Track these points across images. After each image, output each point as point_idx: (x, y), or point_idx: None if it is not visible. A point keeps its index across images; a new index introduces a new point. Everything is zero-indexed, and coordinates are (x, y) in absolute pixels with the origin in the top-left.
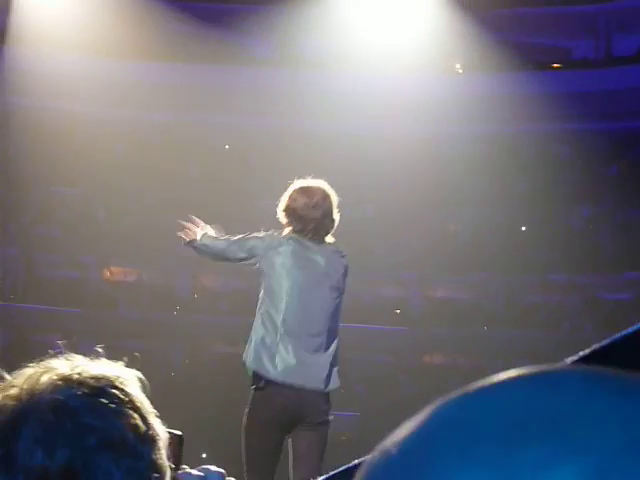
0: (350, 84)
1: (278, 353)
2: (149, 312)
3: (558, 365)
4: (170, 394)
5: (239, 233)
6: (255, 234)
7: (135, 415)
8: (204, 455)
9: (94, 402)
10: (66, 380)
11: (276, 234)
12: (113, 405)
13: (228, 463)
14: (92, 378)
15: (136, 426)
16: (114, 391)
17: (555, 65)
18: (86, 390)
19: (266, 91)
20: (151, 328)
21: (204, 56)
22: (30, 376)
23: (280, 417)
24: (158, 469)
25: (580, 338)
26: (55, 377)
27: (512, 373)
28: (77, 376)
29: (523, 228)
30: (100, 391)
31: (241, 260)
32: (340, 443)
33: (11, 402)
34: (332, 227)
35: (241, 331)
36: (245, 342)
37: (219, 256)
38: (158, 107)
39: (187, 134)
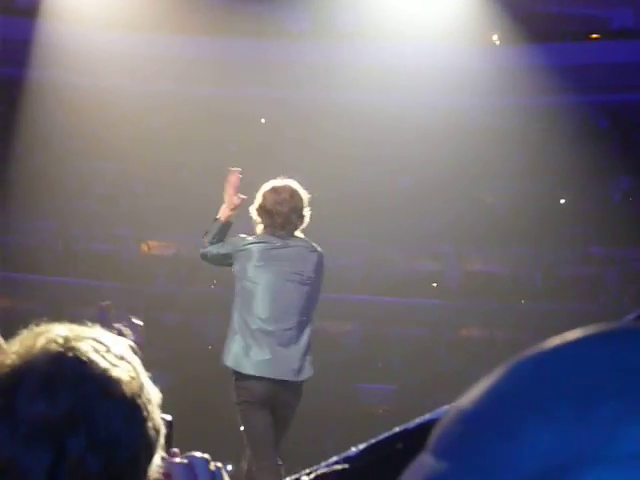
0: (385, 56)
1: (252, 350)
2: (186, 286)
3: (625, 323)
4: (207, 367)
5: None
6: (232, 238)
7: (130, 370)
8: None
9: (91, 356)
10: (63, 339)
11: (249, 237)
12: (109, 359)
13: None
14: (88, 338)
15: (132, 379)
16: (109, 350)
17: (593, 36)
18: (83, 347)
19: (302, 64)
20: (188, 302)
21: (240, 30)
22: (27, 337)
23: (261, 403)
24: (154, 423)
25: (618, 311)
26: (52, 337)
27: (585, 331)
28: (73, 335)
29: (562, 201)
30: (98, 344)
31: (223, 257)
32: (377, 416)
33: (10, 359)
34: (301, 223)
35: None
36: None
37: (217, 258)
38: (195, 81)
39: (224, 108)
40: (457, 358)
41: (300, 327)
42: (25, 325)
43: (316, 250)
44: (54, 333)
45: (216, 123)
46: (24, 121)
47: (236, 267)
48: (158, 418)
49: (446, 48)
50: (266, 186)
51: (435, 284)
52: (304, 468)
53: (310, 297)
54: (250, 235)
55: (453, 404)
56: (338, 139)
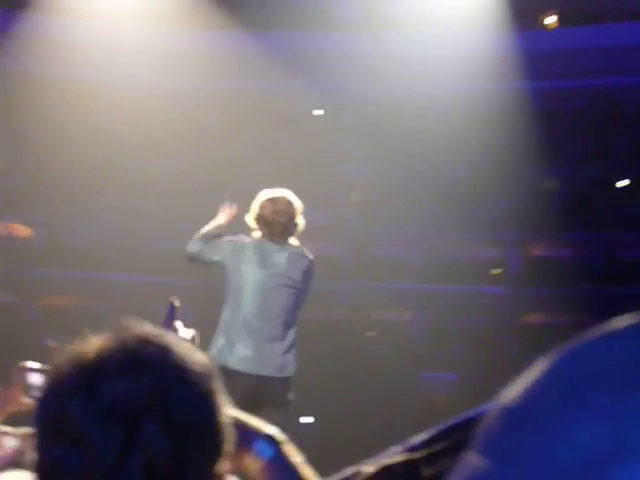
0: (432, 45)
1: (236, 346)
2: None
3: None
4: None
5: (325, 196)
6: (227, 238)
7: (205, 363)
8: (312, 420)
9: (172, 346)
10: (146, 330)
11: (246, 239)
12: (187, 351)
13: (329, 421)
14: (166, 334)
15: (207, 372)
16: (185, 344)
17: None
18: (165, 337)
19: (353, 55)
20: None
21: (290, 23)
22: (113, 329)
23: (242, 401)
24: (225, 417)
25: None
26: (136, 328)
27: (624, 322)
28: (154, 330)
29: (624, 183)
30: (173, 342)
31: (213, 263)
32: (439, 406)
33: (97, 344)
34: (295, 230)
35: (336, 296)
36: (339, 306)
37: (195, 257)
38: (246, 76)
39: (276, 102)
40: (520, 344)
41: (286, 326)
42: (94, 323)
43: (307, 257)
44: (138, 326)
45: (269, 117)
46: (79, 121)
47: (229, 264)
48: (227, 413)
49: (494, 32)
50: (263, 196)
51: (495, 270)
52: (367, 457)
53: (297, 299)
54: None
55: (495, 401)
56: (391, 129)
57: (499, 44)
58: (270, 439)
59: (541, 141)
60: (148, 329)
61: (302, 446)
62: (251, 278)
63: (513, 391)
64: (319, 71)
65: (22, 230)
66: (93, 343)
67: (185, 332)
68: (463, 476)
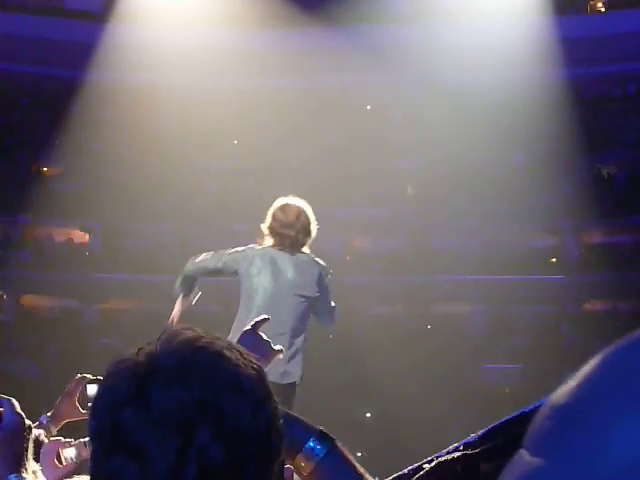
0: (491, 35)
1: None
2: (303, 276)
3: None
4: (329, 356)
5: (381, 190)
6: (236, 249)
7: (258, 369)
8: (368, 415)
9: (224, 352)
10: (199, 335)
11: (257, 247)
12: (240, 357)
13: (391, 415)
14: (216, 337)
15: (261, 378)
16: (239, 349)
17: None
18: (217, 342)
19: (402, 47)
20: None
21: (340, 18)
22: (164, 332)
23: None
24: (277, 425)
25: None
26: (188, 332)
27: None
28: (203, 333)
29: None
30: (228, 345)
31: (217, 270)
32: (503, 396)
33: (148, 349)
34: (307, 240)
35: (395, 290)
36: (399, 301)
37: (200, 272)
38: (297, 73)
39: (328, 97)
40: (582, 333)
41: (294, 334)
42: (153, 325)
43: (317, 264)
44: (190, 330)
45: (322, 113)
46: (136, 126)
47: (240, 271)
48: (279, 418)
49: (544, 20)
50: (275, 206)
51: (554, 259)
52: (433, 450)
53: (307, 307)
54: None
55: (547, 399)
56: (445, 120)
57: (549, 32)
58: (322, 437)
59: (595, 127)
60: (199, 333)
61: (364, 441)
62: (261, 287)
63: (565, 388)
64: (370, 65)
65: (80, 235)
66: (144, 349)
67: None
68: (516, 475)
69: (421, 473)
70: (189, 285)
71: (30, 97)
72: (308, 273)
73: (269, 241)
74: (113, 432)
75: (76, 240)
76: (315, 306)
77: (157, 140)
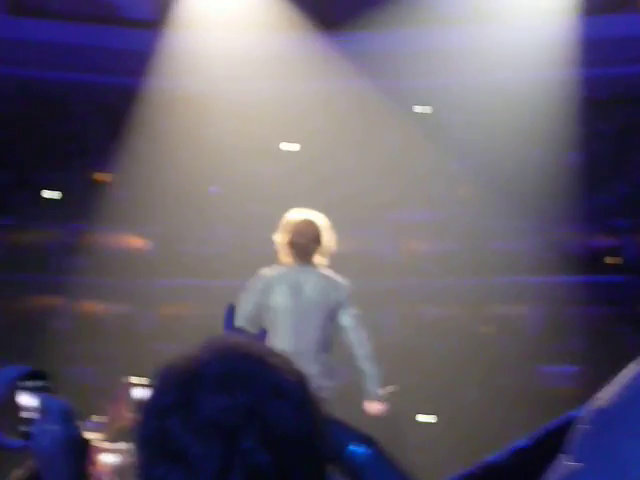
0: (531, 34)
1: None
2: (357, 279)
3: None
4: (385, 359)
5: (433, 193)
6: (252, 286)
7: (298, 372)
8: (433, 419)
9: (265, 358)
10: (237, 344)
11: (269, 272)
12: (281, 364)
13: (449, 419)
14: (257, 343)
15: (301, 381)
16: (279, 354)
17: None
18: (255, 349)
19: (452, 50)
20: (360, 295)
21: (389, 22)
22: (202, 344)
23: None
24: (320, 427)
25: None
26: (229, 339)
27: None
28: (244, 341)
29: None
30: (268, 351)
31: (257, 316)
32: (561, 399)
33: (191, 355)
34: (317, 248)
35: (450, 292)
36: (453, 302)
37: (248, 324)
38: (347, 76)
39: (378, 100)
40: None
41: (321, 348)
42: (209, 331)
43: (334, 280)
44: (233, 337)
45: (372, 116)
46: (190, 132)
47: (264, 301)
48: (324, 420)
49: (578, 19)
50: (286, 218)
51: (612, 260)
52: (487, 452)
53: (329, 321)
54: (271, 264)
55: (588, 404)
56: (494, 122)
57: (583, 31)
58: (366, 441)
59: None
60: (242, 340)
61: (424, 445)
62: (284, 309)
63: (606, 393)
64: (419, 68)
65: (137, 242)
66: (189, 356)
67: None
68: (555, 478)
69: (470, 476)
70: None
71: (87, 105)
72: (326, 288)
73: (282, 251)
74: (159, 438)
75: (133, 246)
76: (335, 318)
77: (212, 146)
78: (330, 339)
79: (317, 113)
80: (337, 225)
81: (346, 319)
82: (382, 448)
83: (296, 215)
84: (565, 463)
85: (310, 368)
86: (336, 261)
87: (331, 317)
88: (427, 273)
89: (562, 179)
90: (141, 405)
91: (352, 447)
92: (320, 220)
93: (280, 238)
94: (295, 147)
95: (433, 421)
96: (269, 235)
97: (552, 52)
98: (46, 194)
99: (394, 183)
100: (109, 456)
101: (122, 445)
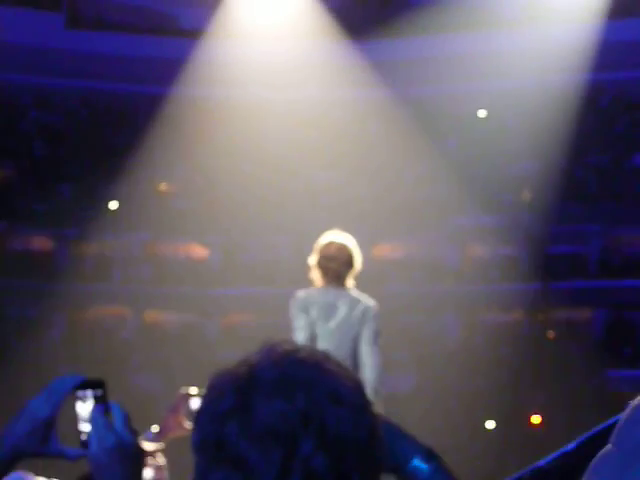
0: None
1: None
2: (419, 286)
3: None
4: (448, 366)
5: (496, 197)
6: (294, 309)
7: (355, 377)
8: (489, 425)
9: (323, 363)
10: (297, 346)
11: (303, 295)
12: (337, 369)
13: (512, 423)
14: (311, 348)
15: (358, 387)
16: (332, 358)
17: None
18: (310, 355)
19: (513, 52)
20: (423, 301)
21: (444, 26)
22: (263, 344)
23: None
24: (377, 433)
25: None
26: (287, 343)
27: None
28: (298, 346)
29: None
30: (323, 356)
31: (313, 336)
32: (627, 402)
33: (248, 360)
34: (350, 271)
35: (514, 298)
36: (518, 307)
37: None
38: (408, 82)
39: (440, 105)
40: None
41: (354, 367)
42: (270, 336)
43: (362, 302)
44: (288, 342)
45: (433, 122)
46: (246, 141)
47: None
48: (378, 425)
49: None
50: (320, 241)
51: None
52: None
53: (356, 342)
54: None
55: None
56: (558, 125)
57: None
58: (428, 456)
59: None
60: (297, 346)
61: (484, 449)
62: (323, 331)
63: None
64: (473, 71)
65: (199, 251)
66: (244, 362)
67: None
68: (596, 460)
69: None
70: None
71: (147, 116)
72: (357, 309)
73: (315, 274)
74: (217, 444)
75: (195, 255)
76: (357, 339)
77: (271, 153)
78: (362, 351)
79: (374, 120)
80: (396, 231)
81: (367, 332)
82: (443, 463)
83: (328, 239)
84: (605, 450)
85: None
86: (398, 266)
87: (358, 338)
88: (490, 278)
89: (625, 181)
90: (197, 412)
91: (416, 462)
92: (351, 243)
93: (313, 261)
94: (354, 153)
95: (498, 427)
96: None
97: (603, 54)
98: (109, 205)
99: (455, 188)
100: (147, 470)
101: (161, 460)
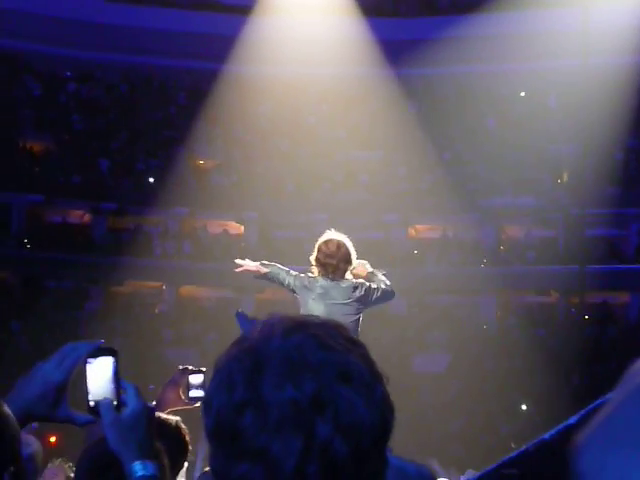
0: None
1: None
2: (456, 267)
3: None
4: (483, 347)
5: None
6: (300, 276)
7: (364, 354)
8: (524, 407)
9: (328, 342)
10: (297, 324)
11: (311, 277)
12: (343, 342)
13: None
14: (317, 322)
15: (367, 361)
16: (339, 331)
17: None
18: (315, 331)
19: (556, 32)
20: (459, 282)
21: (488, 5)
22: (262, 327)
23: None
24: (389, 404)
25: None
26: (288, 325)
27: None
28: (306, 323)
29: None
30: (328, 331)
31: (285, 285)
32: None
33: (249, 350)
34: (347, 267)
35: (550, 279)
36: (552, 290)
37: (276, 278)
38: (450, 61)
39: (480, 85)
40: None
41: None
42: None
43: (357, 286)
44: (288, 322)
45: (472, 101)
46: (285, 118)
47: (299, 298)
48: (390, 397)
49: None
50: (320, 240)
51: None
52: None
53: (355, 324)
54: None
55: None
56: (598, 106)
57: None
58: None
59: None
60: (297, 320)
61: (519, 431)
62: (315, 310)
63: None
64: (522, 52)
65: (235, 227)
66: (248, 342)
67: None
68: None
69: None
70: (268, 278)
71: (186, 91)
72: (351, 297)
73: (315, 270)
74: (234, 436)
75: (232, 231)
76: (371, 303)
77: (308, 131)
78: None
79: (412, 99)
80: (432, 212)
81: (380, 289)
82: None
83: (327, 237)
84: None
85: None
86: (435, 247)
87: (357, 320)
88: (526, 259)
89: None
90: (207, 396)
91: None
92: (347, 241)
93: (315, 257)
94: (390, 132)
95: (531, 408)
96: (365, 220)
97: None
98: (147, 180)
99: (493, 168)
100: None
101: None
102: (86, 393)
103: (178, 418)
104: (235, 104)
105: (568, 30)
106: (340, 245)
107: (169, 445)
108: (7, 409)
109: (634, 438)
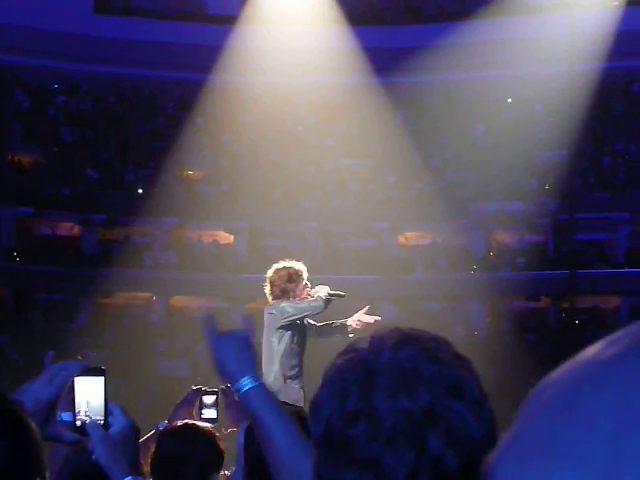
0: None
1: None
2: (446, 273)
3: None
4: (474, 354)
5: (520, 183)
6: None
7: (472, 368)
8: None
9: (439, 355)
10: (407, 337)
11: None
12: (452, 357)
13: None
14: (426, 336)
15: (476, 377)
16: (447, 346)
17: None
18: (426, 345)
19: (542, 39)
20: (449, 289)
21: (473, 13)
22: (371, 340)
23: None
24: (495, 422)
25: None
26: (395, 336)
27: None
28: (414, 334)
29: None
30: (438, 345)
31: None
32: None
33: (360, 361)
34: (288, 288)
35: (540, 285)
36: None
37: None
38: (432, 68)
39: (467, 92)
40: None
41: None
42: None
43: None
44: (398, 334)
45: (460, 107)
46: (273, 127)
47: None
48: (494, 419)
49: None
50: (272, 269)
51: None
52: None
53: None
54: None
55: None
56: (585, 111)
57: None
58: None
59: None
60: (408, 333)
61: None
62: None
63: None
64: (509, 58)
65: (225, 237)
66: (358, 353)
67: None
68: None
69: None
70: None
71: (175, 102)
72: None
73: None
74: (344, 445)
75: (221, 241)
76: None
77: (297, 140)
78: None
79: (401, 107)
80: (422, 219)
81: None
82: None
83: (276, 266)
84: None
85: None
86: (424, 253)
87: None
88: (516, 266)
89: None
90: (317, 402)
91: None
92: (294, 267)
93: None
94: (379, 141)
95: None
96: (355, 228)
97: (633, 42)
98: (137, 191)
99: (482, 175)
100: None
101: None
102: (74, 412)
103: (211, 425)
104: (223, 114)
105: (554, 36)
106: (282, 269)
107: (203, 452)
108: (33, 422)
109: (548, 448)
